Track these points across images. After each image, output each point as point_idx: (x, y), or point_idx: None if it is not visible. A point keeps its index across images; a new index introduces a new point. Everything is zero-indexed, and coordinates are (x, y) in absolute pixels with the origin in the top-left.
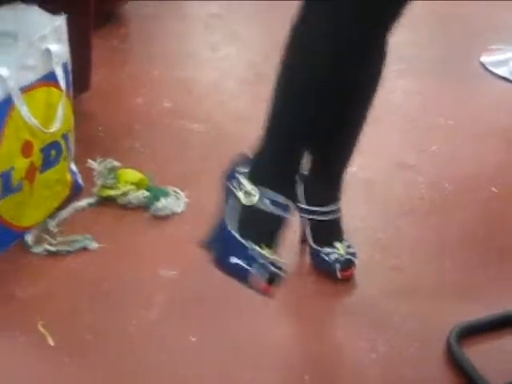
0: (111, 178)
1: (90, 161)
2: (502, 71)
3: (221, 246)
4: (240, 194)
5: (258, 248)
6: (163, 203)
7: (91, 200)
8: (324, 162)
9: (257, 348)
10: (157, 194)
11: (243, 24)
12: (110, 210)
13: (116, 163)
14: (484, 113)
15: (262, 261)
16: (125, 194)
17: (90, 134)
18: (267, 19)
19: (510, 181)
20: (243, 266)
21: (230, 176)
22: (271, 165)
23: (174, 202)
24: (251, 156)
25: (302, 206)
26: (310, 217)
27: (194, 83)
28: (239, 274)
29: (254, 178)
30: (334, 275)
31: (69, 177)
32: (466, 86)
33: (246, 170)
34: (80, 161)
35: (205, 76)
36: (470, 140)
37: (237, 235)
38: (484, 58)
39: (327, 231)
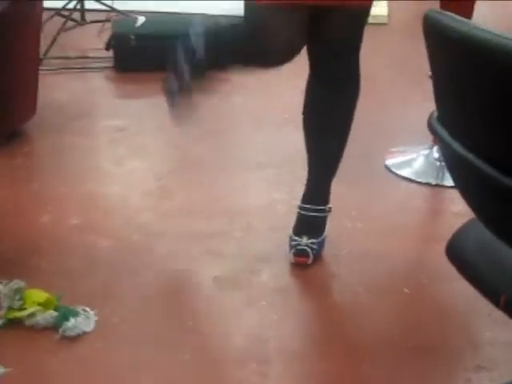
0: (18, 299)
1: None
2: (405, 172)
3: None
4: None
5: None
6: (73, 323)
7: None
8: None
9: None
10: (66, 313)
11: (148, 138)
12: (17, 332)
13: (22, 284)
14: (391, 214)
15: None
16: (32, 314)
17: None
18: (171, 133)
19: (421, 281)
20: None
21: None
22: None
23: (83, 321)
24: None
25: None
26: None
27: (100, 198)
28: None
29: None
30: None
31: None
32: (371, 189)
33: None
34: None
35: (111, 190)
36: (379, 241)
37: None
38: (388, 161)
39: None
